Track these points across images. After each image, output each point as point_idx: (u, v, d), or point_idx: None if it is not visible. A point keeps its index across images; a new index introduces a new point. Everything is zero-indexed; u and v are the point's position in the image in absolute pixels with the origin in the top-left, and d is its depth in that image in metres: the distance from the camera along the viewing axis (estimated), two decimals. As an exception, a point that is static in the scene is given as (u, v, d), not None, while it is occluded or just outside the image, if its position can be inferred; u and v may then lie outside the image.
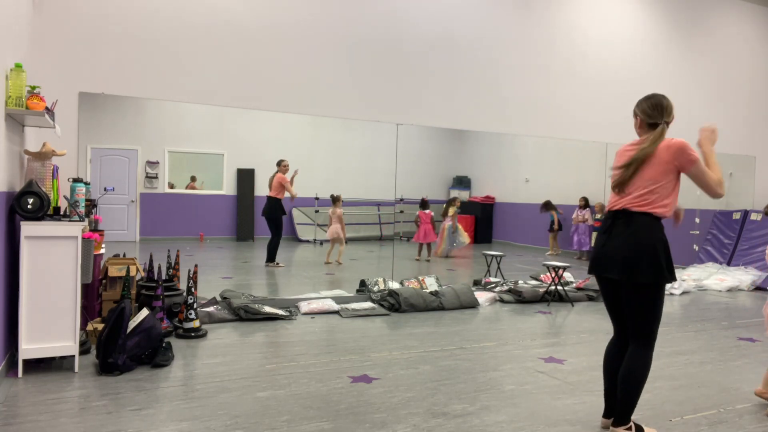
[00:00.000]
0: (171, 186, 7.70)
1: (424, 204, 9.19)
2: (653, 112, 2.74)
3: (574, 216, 9.50)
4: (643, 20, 7.75)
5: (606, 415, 2.92)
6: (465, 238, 9.51)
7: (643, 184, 2.66)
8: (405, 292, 5.70)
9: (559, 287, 6.35)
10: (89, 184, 4.51)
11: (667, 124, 2.73)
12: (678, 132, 2.75)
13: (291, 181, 7.39)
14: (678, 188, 2.73)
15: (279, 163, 7.37)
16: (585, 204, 9.53)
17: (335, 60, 5.89)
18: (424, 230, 9.01)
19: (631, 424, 2.74)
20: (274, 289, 6.43)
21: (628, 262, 2.63)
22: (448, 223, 9.35)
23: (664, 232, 2.69)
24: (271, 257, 7.21)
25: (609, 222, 2.77)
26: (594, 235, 9.32)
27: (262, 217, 7.39)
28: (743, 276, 7.83)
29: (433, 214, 9.07)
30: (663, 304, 2.71)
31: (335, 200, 7.98)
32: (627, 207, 2.70)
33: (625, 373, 2.71)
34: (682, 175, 2.72)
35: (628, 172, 2.69)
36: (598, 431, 2.88)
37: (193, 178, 8.07)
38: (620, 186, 2.72)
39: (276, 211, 7.29)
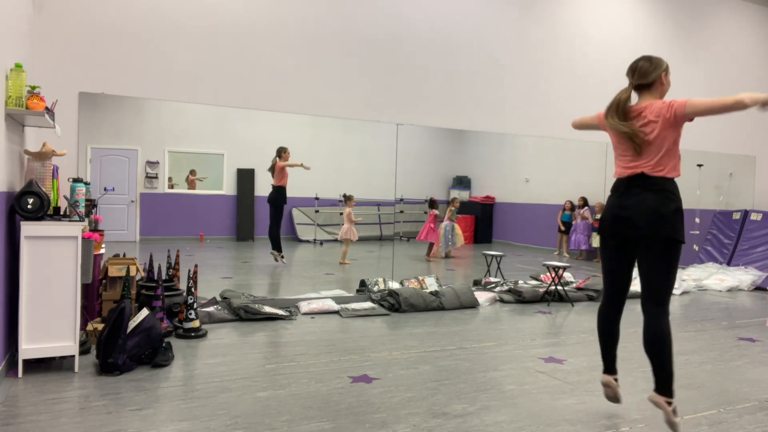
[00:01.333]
0: (170, 180, 7.68)
1: (432, 203, 9.23)
2: (628, 74, 2.88)
3: (580, 214, 9.51)
4: (643, 19, 7.75)
5: (608, 371, 3.01)
6: (458, 239, 9.53)
7: (656, 150, 2.67)
8: (405, 292, 5.70)
9: (559, 287, 6.35)
10: (89, 184, 4.51)
11: (631, 85, 2.83)
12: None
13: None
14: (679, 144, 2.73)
15: (282, 152, 7.26)
16: (584, 203, 9.54)
17: (335, 60, 5.89)
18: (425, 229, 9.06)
19: (673, 401, 2.67)
20: (274, 289, 6.43)
21: (657, 218, 2.60)
22: (445, 222, 9.37)
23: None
24: (276, 246, 7.17)
25: (623, 188, 2.75)
26: (593, 235, 9.33)
27: (265, 209, 7.35)
28: (743, 276, 7.83)
29: (435, 213, 9.09)
30: None
31: (347, 199, 7.99)
32: (644, 171, 2.69)
33: (655, 341, 2.66)
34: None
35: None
36: (598, 431, 2.88)
37: (192, 172, 8.06)
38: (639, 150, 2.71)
39: (279, 197, 7.23)
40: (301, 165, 7.29)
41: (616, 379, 3.05)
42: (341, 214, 8.28)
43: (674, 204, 2.63)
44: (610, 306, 2.95)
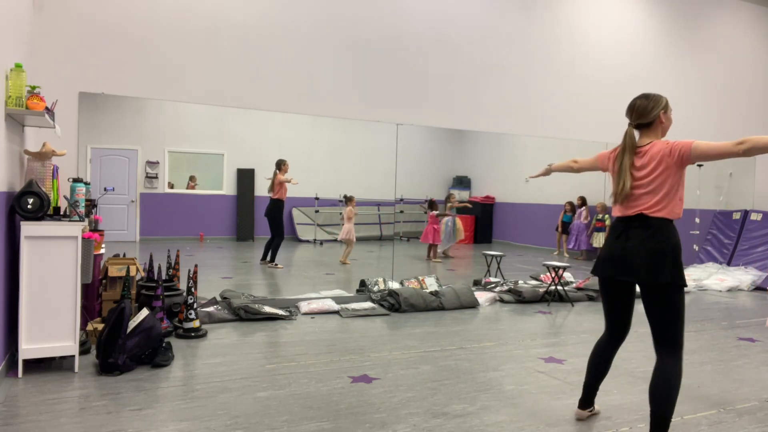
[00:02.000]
0: (171, 186, 7.70)
1: (431, 205, 9.23)
2: (627, 114, 2.79)
3: (583, 216, 9.51)
4: (643, 20, 7.75)
5: (582, 407, 2.97)
6: (459, 233, 9.54)
7: (656, 191, 2.62)
8: (405, 292, 5.70)
9: (559, 287, 6.35)
10: (89, 184, 4.51)
11: (631, 125, 2.75)
12: (679, 132, 2.75)
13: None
14: (683, 185, 2.67)
15: (282, 164, 7.26)
16: (582, 203, 9.54)
17: (335, 60, 5.89)
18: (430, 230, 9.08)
19: None
20: (274, 289, 6.42)
21: (655, 263, 2.56)
22: (446, 218, 9.37)
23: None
24: (272, 257, 7.18)
25: (622, 227, 2.71)
26: (594, 235, 9.33)
27: (264, 217, 7.36)
28: (743, 276, 7.83)
29: (435, 213, 9.10)
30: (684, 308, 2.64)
31: (347, 200, 8.00)
32: (643, 212, 2.64)
33: (661, 388, 2.56)
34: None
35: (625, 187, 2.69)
36: (598, 431, 2.88)
37: (192, 179, 8.07)
38: (625, 199, 2.70)
39: (277, 210, 7.25)
40: (295, 182, 7.33)
41: (591, 410, 3.01)
42: (341, 214, 8.28)
43: (673, 247, 2.59)
44: (610, 339, 2.89)
